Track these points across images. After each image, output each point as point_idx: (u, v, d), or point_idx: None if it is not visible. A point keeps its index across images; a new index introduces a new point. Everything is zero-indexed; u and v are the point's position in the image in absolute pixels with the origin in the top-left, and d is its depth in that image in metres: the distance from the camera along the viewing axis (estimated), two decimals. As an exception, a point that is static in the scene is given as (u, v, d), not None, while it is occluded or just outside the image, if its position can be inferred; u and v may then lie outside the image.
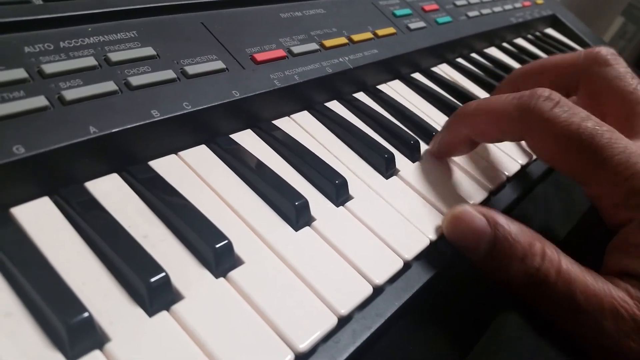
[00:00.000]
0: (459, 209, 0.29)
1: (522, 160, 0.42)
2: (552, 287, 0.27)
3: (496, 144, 0.42)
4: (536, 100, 0.30)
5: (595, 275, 0.27)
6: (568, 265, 0.27)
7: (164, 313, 0.22)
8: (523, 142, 0.42)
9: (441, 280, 0.30)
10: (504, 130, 0.32)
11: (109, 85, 0.28)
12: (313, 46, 0.39)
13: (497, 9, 0.63)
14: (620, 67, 0.36)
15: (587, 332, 0.26)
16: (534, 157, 0.44)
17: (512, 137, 0.32)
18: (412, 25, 0.49)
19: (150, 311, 0.22)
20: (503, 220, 0.28)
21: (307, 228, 0.29)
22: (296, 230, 0.28)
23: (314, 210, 0.29)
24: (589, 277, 0.27)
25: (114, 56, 0.29)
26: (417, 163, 0.37)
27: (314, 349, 0.24)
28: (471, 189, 0.36)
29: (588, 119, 0.29)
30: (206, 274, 0.24)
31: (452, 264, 0.31)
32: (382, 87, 0.44)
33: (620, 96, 0.34)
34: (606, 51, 0.36)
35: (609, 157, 0.28)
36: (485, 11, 0.60)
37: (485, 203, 0.36)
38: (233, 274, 0.25)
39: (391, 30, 0.46)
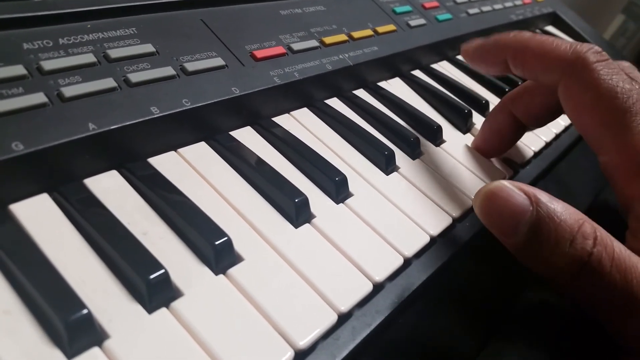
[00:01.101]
0: (495, 184, 0.26)
1: (520, 159, 0.42)
2: (606, 277, 0.23)
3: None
4: (587, 49, 0.30)
5: None
6: (622, 250, 0.24)
7: (163, 310, 0.22)
8: (524, 139, 0.43)
9: (441, 277, 0.30)
10: (547, 67, 0.31)
11: (108, 82, 0.27)
12: (313, 43, 0.39)
13: (498, 6, 0.63)
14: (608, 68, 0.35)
15: None
16: (534, 155, 0.44)
17: (550, 76, 0.32)
18: (412, 23, 0.49)
19: (150, 308, 0.22)
20: (545, 197, 0.25)
21: (306, 225, 0.29)
22: (296, 227, 0.28)
23: (313, 207, 0.29)
24: None
25: (113, 53, 0.29)
26: (417, 160, 0.37)
27: (313, 346, 0.24)
28: (472, 186, 0.36)
29: (628, 82, 0.28)
30: (206, 271, 0.24)
31: (453, 260, 0.31)
32: (382, 84, 0.44)
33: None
34: (592, 57, 0.36)
35: (636, 123, 0.27)
36: (485, 8, 0.60)
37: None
38: (233, 271, 0.25)
39: (391, 27, 0.46)
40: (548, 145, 0.46)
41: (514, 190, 0.25)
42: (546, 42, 0.32)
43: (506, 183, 0.26)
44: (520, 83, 0.50)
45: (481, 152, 0.40)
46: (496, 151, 0.40)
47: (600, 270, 0.24)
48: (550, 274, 0.25)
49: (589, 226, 0.24)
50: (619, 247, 0.24)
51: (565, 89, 0.31)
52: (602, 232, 0.25)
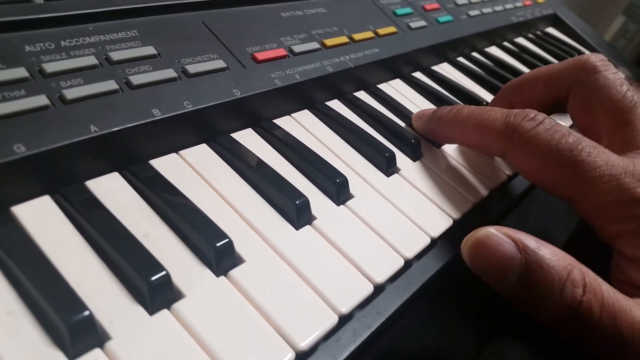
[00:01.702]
0: (482, 232, 0.26)
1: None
2: (596, 322, 0.24)
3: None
4: (520, 119, 0.30)
5: (634, 302, 0.25)
6: (610, 294, 0.24)
7: (164, 311, 0.22)
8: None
9: (442, 279, 0.30)
10: (488, 144, 0.32)
11: (110, 84, 0.28)
12: (314, 45, 0.39)
13: (498, 8, 0.63)
14: (609, 73, 0.35)
15: None
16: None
17: (494, 151, 0.33)
18: (413, 25, 0.49)
19: (151, 310, 0.22)
20: (533, 244, 0.25)
21: (307, 227, 0.29)
22: (297, 229, 0.28)
23: (314, 209, 0.29)
24: (634, 307, 0.24)
25: (115, 55, 0.29)
26: (418, 162, 0.37)
27: (314, 348, 0.24)
28: (472, 187, 0.36)
29: (569, 135, 0.29)
30: (207, 272, 0.24)
31: (453, 262, 0.31)
32: (383, 86, 0.44)
33: (608, 104, 0.33)
34: (594, 58, 0.36)
35: (590, 170, 0.28)
36: (486, 10, 0.60)
37: (486, 201, 0.36)
38: (234, 272, 0.25)
39: (392, 29, 0.46)
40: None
41: (502, 237, 0.25)
42: (483, 119, 0.32)
43: (493, 230, 0.26)
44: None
45: None
46: None
47: (590, 317, 0.24)
48: (541, 319, 0.25)
49: (578, 272, 0.24)
50: (607, 292, 0.24)
51: (512, 159, 0.31)
52: (590, 278, 0.25)
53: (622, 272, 0.28)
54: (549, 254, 0.25)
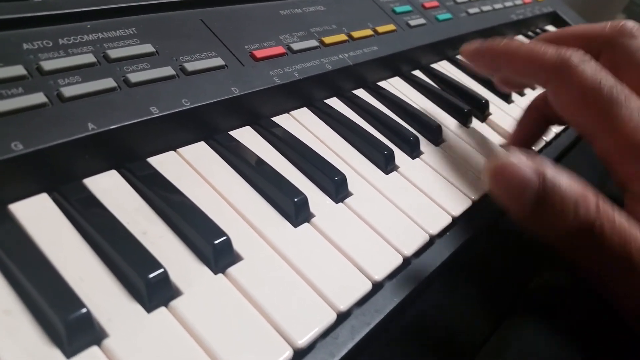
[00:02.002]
0: (503, 158, 0.27)
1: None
2: (606, 243, 0.25)
3: (502, 144, 0.43)
4: (571, 54, 0.31)
5: None
6: (623, 220, 0.25)
7: (162, 309, 0.22)
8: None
9: (441, 276, 0.30)
10: (534, 72, 0.33)
11: (108, 82, 0.28)
12: (313, 43, 0.39)
13: (498, 5, 0.63)
14: None
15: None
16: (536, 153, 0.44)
17: (538, 80, 0.34)
18: (412, 22, 0.49)
19: (149, 307, 0.22)
20: (551, 169, 0.26)
21: (306, 224, 0.29)
22: (295, 226, 0.28)
23: (313, 207, 0.29)
24: None
25: (113, 53, 0.29)
26: (416, 159, 0.37)
27: (312, 345, 0.24)
28: (472, 185, 0.36)
29: (611, 79, 0.30)
30: (205, 270, 0.24)
31: (452, 259, 0.31)
32: (382, 84, 0.44)
33: None
34: (632, 24, 0.37)
35: (623, 111, 0.29)
36: (485, 8, 0.60)
37: (486, 198, 0.36)
38: (232, 270, 0.25)
39: (391, 27, 0.46)
40: (548, 144, 0.46)
41: (522, 163, 0.26)
42: (535, 49, 0.33)
43: (514, 158, 0.27)
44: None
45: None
46: (525, 146, 0.42)
47: (601, 239, 0.25)
48: (553, 241, 0.27)
49: (592, 197, 0.26)
50: (619, 218, 0.25)
51: (554, 89, 0.32)
52: (604, 203, 0.26)
53: (634, 212, 0.28)
54: (566, 179, 0.26)
